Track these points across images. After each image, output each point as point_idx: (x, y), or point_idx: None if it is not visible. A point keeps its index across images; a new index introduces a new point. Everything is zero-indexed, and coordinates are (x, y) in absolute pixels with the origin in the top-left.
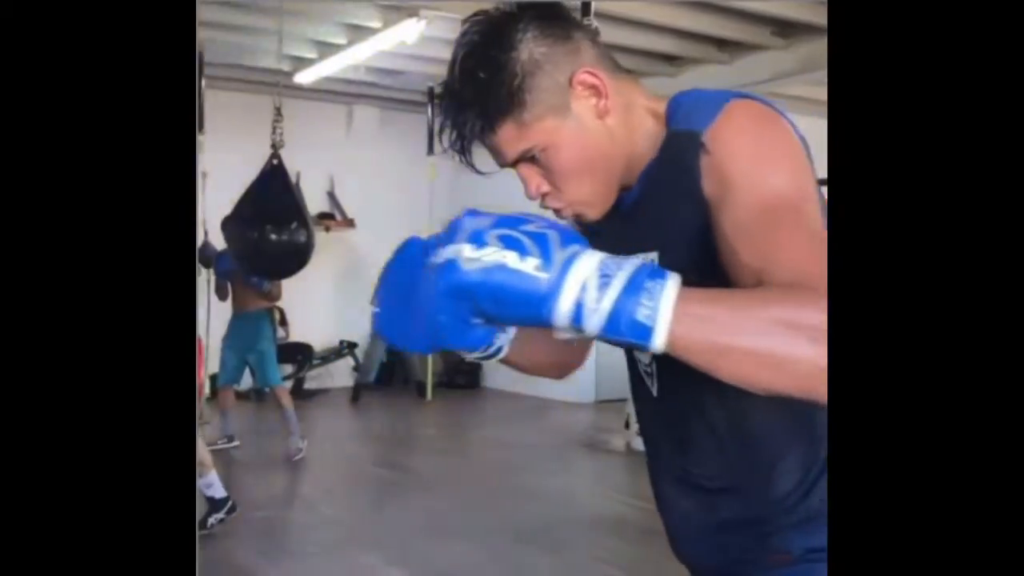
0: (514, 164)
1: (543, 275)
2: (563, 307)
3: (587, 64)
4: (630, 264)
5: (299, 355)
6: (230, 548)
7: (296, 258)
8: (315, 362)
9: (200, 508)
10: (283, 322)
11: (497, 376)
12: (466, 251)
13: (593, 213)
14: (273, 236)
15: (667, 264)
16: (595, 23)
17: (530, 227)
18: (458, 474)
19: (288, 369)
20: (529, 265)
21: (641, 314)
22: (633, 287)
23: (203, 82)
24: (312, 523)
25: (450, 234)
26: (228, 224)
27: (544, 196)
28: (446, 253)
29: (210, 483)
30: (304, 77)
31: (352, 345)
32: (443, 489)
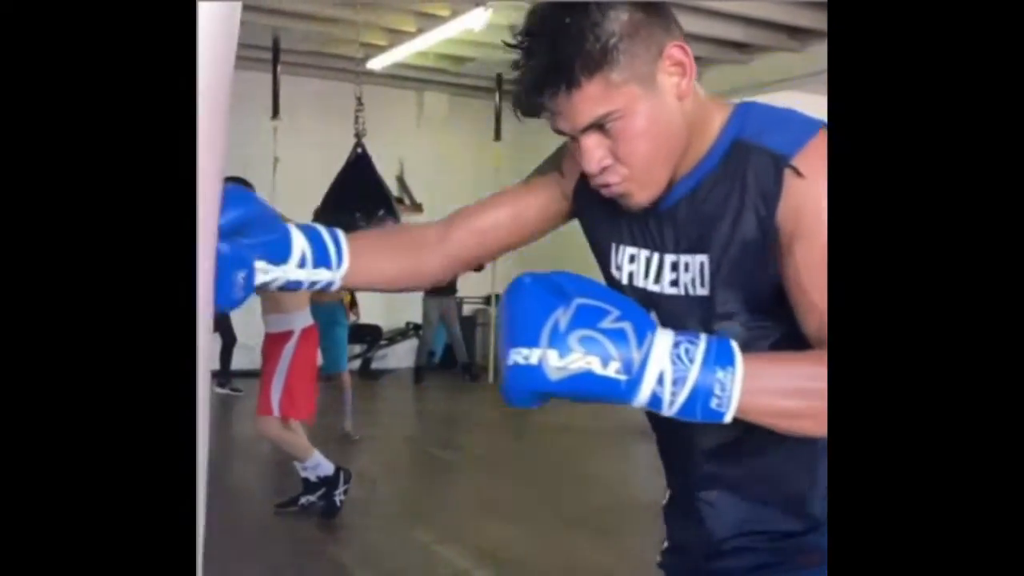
0: (583, 130)
1: (623, 377)
2: (641, 400)
3: (677, 39)
4: (699, 353)
5: (368, 336)
6: (291, 521)
7: None
8: (382, 343)
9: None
10: (353, 304)
11: None
12: (552, 359)
13: (643, 195)
14: (362, 223)
15: (718, 271)
16: None
17: (607, 322)
18: (514, 456)
19: (357, 349)
20: (611, 370)
21: (713, 403)
22: (705, 382)
23: (278, 68)
24: (370, 499)
25: (529, 322)
26: (319, 213)
27: (603, 170)
28: (531, 356)
29: (316, 463)
30: (376, 63)
31: (418, 327)
32: (499, 471)
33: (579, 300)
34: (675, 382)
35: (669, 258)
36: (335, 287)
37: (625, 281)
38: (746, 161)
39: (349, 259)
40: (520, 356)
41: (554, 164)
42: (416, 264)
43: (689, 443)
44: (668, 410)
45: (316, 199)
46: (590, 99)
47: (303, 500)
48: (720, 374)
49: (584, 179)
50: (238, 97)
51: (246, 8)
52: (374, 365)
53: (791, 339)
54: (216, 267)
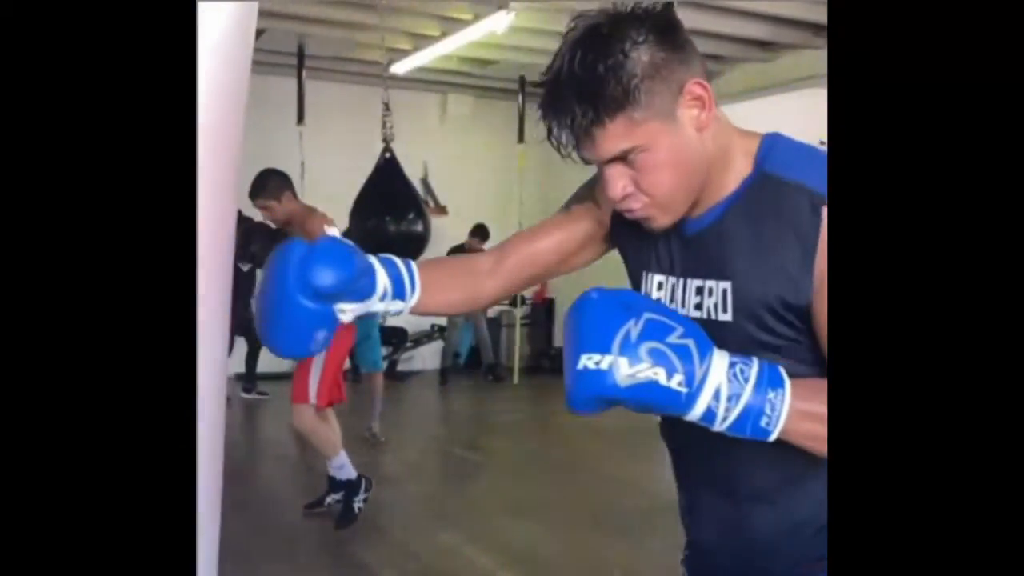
0: (607, 161)
1: (684, 390)
2: (696, 414)
3: (697, 75)
4: (753, 373)
5: (394, 338)
6: (315, 522)
7: (414, 247)
8: (408, 345)
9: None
10: None
11: None
12: (622, 366)
13: (664, 219)
14: (392, 227)
15: (740, 297)
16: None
17: (674, 337)
18: (540, 457)
19: (384, 351)
20: (675, 382)
21: (762, 422)
22: (758, 401)
23: (303, 74)
24: (396, 500)
25: (601, 331)
26: (351, 217)
27: (625, 197)
28: (602, 362)
29: (341, 464)
30: (400, 67)
31: (442, 329)
32: (524, 471)
33: (647, 315)
34: (730, 398)
35: (694, 283)
36: (403, 314)
37: None
38: (778, 194)
39: (420, 291)
40: (591, 361)
41: (590, 191)
42: (474, 291)
43: (712, 458)
44: (719, 425)
45: (344, 202)
46: (613, 136)
47: (329, 499)
48: (771, 395)
49: None
50: (264, 103)
51: (271, 15)
52: (400, 367)
53: (808, 367)
54: (298, 321)
